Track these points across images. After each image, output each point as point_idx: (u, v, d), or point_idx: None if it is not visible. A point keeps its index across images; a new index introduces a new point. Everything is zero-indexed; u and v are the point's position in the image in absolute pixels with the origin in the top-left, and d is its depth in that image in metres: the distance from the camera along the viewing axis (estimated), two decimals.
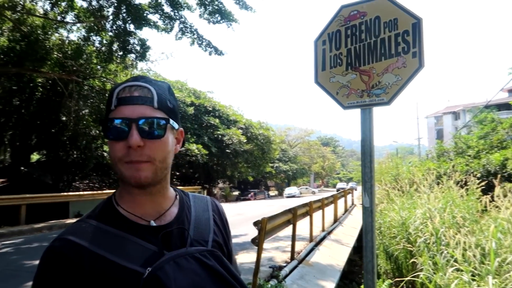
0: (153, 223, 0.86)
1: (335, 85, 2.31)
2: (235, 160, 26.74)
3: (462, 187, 8.43)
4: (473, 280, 4.31)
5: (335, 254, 7.94)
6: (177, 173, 25.64)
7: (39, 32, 12.05)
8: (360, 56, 2.22)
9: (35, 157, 18.85)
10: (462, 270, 4.46)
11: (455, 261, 4.77)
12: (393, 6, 2.13)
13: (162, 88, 0.88)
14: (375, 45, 2.16)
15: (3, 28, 12.37)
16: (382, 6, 2.17)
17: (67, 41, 13.45)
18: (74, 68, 12.85)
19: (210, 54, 12.48)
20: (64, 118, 14.58)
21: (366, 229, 2.12)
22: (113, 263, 0.78)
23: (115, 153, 0.82)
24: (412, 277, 5.70)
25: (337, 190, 38.39)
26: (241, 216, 14.54)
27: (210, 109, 27.33)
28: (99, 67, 13.92)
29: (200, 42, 12.34)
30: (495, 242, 4.65)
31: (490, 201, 6.44)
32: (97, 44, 13.17)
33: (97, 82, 14.56)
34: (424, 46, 2.02)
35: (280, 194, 47.23)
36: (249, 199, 34.64)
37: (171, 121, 0.87)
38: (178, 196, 0.97)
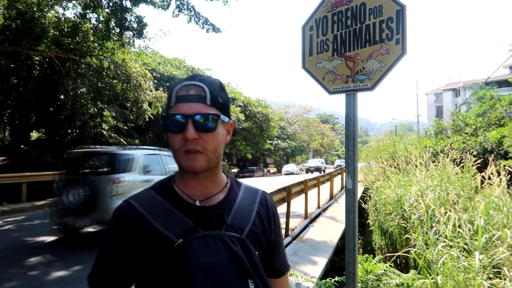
0: (197, 203, 0.99)
1: (322, 71, 2.37)
2: (233, 137, 26.84)
3: (458, 164, 8.52)
4: (462, 255, 4.44)
5: (329, 230, 8.13)
6: None
7: (34, 9, 11.88)
8: (346, 42, 2.27)
9: (34, 135, 18.92)
10: (453, 246, 4.60)
11: (446, 237, 4.90)
12: None
13: (214, 86, 0.99)
14: (360, 32, 2.21)
15: None
16: None
17: (63, 19, 13.27)
18: (71, 46, 12.73)
19: (207, 31, 12.38)
20: (62, 97, 14.57)
21: (349, 210, 2.22)
22: (154, 228, 0.93)
23: (175, 144, 0.95)
24: (404, 252, 5.85)
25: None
26: None
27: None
28: (96, 44, 13.79)
29: (197, 20, 12.22)
30: (483, 219, 4.77)
31: (483, 179, 6.51)
32: (93, 22, 13.02)
33: (94, 60, 14.46)
34: (407, 32, 2.06)
35: (279, 171, 47.54)
36: (253, 176, 34.53)
37: (222, 116, 0.98)
38: (228, 185, 1.08)
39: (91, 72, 14.44)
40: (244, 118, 26.76)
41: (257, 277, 0.90)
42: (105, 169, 6.76)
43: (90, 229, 7.57)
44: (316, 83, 2.39)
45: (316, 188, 10.07)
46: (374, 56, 2.15)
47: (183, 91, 0.95)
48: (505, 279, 3.84)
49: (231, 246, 0.90)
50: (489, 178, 6.12)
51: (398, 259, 7.06)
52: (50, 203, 7.02)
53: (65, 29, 12.89)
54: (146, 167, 6.96)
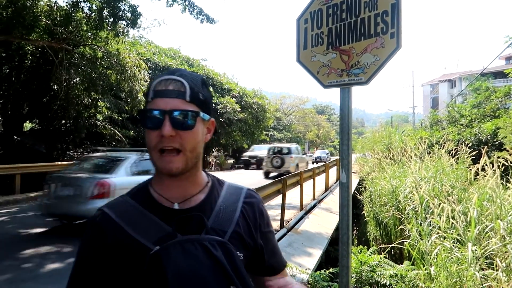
0: (176, 206, 0.94)
1: (316, 64, 2.35)
2: (229, 129, 26.76)
3: (453, 156, 8.55)
4: (456, 247, 4.47)
5: (324, 222, 8.18)
6: None
7: None
8: (341, 35, 2.24)
9: (28, 126, 18.75)
10: (446, 238, 4.62)
11: (439, 228, 4.92)
12: None
13: (195, 81, 0.94)
14: (355, 25, 2.18)
15: None
16: None
17: (55, 7, 13.06)
18: (64, 35, 12.56)
19: (201, 22, 12.28)
20: (55, 87, 14.41)
21: (343, 204, 2.22)
22: (130, 236, 0.89)
23: (150, 141, 0.90)
24: (398, 243, 5.89)
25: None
26: None
27: (204, 77, 26.98)
28: (89, 34, 13.60)
29: (191, 9, 12.11)
30: (477, 210, 4.79)
31: (477, 171, 6.52)
32: (86, 11, 12.85)
33: (87, 50, 14.28)
34: (402, 26, 2.04)
35: None
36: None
37: (201, 113, 0.93)
38: (209, 184, 1.03)
39: (84, 62, 14.26)
40: (240, 109, 26.62)
41: (239, 283, 0.85)
42: (286, 152, 18.78)
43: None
44: (311, 76, 2.37)
45: (312, 180, 10.10)
46: (369, 50, 2.13)
47: (161, 85, 0.91)
48: (497, 270, 3.88)
49: (212, 251, 0.85)
50: (483, 170, 6.12)
51: (392, 250, 7.11)
52: (265, 164, 19.09)
53: (58, 18, 12.67)
54: (297, 151, 20.11)
